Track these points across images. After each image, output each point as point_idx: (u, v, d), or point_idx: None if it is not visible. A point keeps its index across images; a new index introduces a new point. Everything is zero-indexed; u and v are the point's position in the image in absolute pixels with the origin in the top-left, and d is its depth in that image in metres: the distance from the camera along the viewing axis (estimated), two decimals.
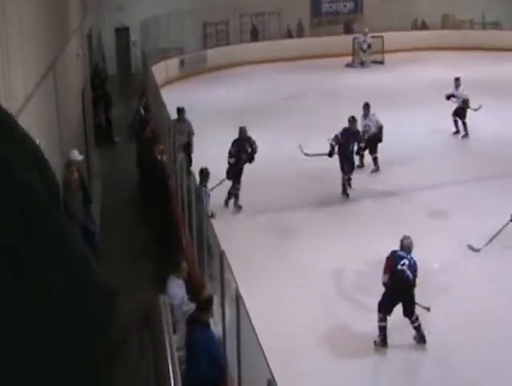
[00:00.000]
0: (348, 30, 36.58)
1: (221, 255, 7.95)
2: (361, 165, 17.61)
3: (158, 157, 14.12)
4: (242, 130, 15.95)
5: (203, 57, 32.12)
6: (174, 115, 16.49)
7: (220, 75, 30.39)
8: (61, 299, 0.93)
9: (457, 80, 20.61)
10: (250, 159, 15.68)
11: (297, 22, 36.57)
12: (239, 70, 31.40)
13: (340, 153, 15.98)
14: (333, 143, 15.98)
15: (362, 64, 32.99)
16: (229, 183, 15.42)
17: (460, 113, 20.46)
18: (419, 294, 9.96)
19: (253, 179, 16.60)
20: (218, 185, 14.62)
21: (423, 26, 38.13)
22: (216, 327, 7.96)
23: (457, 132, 20.63)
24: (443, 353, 9.81)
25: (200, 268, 10.04)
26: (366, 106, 18.40)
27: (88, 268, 0.98)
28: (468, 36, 35.95)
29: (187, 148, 16.39)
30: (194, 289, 8.29)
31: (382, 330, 9.96)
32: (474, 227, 13.31)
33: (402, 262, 9.81)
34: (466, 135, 20.46)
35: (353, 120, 16.42)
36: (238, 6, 33.90)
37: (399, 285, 9.83)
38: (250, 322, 6.56)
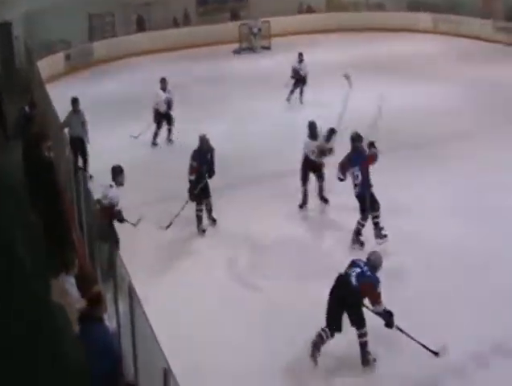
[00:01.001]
0: (234, 17, 36.71)
1: (113, 250, 7.93)
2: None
3: (46, 153, 13.86)
4: (203, 140, 13.31)
5: (89, 50, 31.62)
6: (61, 110, 16.13)
7: (107, 68, 30.06)
8: None
9: (301, 54, 22.72)
10: (210, 172, 13.33)
11: (183, 12, 36.49)
12: (126, 62, 31.12)
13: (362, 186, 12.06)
14: (341, 176, 12.25)
15: (253, 50, 33.18)
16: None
17: (300, 83, 22.58)
18: None
19: (144, 170, 16.62)
20: (137, 223, 11.92)
21: (309, 10, 38.63)
22: (110, 322, 7.93)
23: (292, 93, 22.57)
24: None
25: (92, 264, 9.94)
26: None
27: None
28: (352, 18, 36.69)
29: (82, 142, 16.19)
30: (85, 286, 8.22)
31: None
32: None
33: (353, 269, 8.99)
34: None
35: (357, 137, 12.36)
36: None
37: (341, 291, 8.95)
38: (144, 312, 6.57)
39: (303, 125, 14.38)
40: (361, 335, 8.95)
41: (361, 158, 11.98)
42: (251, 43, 33.46)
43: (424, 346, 8.93)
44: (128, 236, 11.62)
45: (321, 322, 9.00)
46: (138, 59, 31.16)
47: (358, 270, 8.87)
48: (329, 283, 8.96)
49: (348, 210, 12.64)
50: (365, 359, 9.02)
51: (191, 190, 13.11)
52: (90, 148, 16.33)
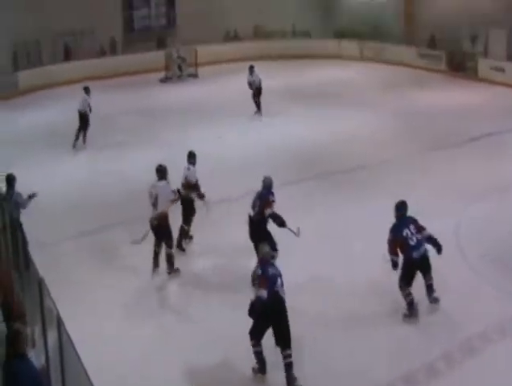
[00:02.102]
0: (161, 45, 36.65)
1: (40, 282, 7.76)
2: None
3: None
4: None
5: (14, 79, 31.13)
6: None
7: (32, 98, 29.59)
8: None
9: (251, 67, 23.90)
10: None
11: (109, 40, 36.32)
12: (52, 92, 30.69)
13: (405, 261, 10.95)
14: (395, 258, 10.98)
15: (179, 78, 33.10)
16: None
17: (257, 94, 23.83)
18: None
19: (75, 201, 16.49)
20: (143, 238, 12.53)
21: (236, 38, 38.87)
22: (39, 357, 7.77)
23: (258, 111, 23.93)
24: None
25: (20, 294, 9.75)
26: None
27: None
28: (279, 46, 37.05)
29: None
30: (12, 318, 8.05)
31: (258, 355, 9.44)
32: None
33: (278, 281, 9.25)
34: (258, 112, 23.96)
35: (402, 206, 11.11)
36: (50, 25, 33.14)
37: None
38: (73, 346, 6.46)
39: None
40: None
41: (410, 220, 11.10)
42: (173, 70, 33.26)
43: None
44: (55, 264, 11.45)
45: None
46: (65, 89, 30.80)
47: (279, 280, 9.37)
48: None
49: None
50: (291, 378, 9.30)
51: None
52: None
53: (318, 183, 17.03)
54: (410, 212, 11.05)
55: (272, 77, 26.79)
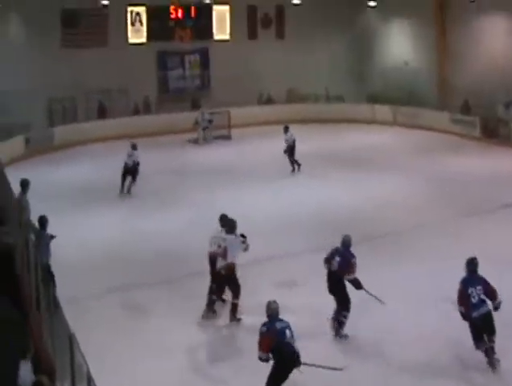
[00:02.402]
0: (195, 106, 36.93)
1: (71, 337, 7.63)
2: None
3: (4, 239, 13.55)
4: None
5: (49, 135, 31.52)
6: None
7: (67, 154, 29.86)
8: None
9: (286, 127, 25.41)
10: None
11: (143, 99, 36.68)
12: (86, 148, 30.97)
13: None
14: (461, 310, 11.07)
15: (205, 140, 33.04)
16: None
17: (290, 151, 24.97)
18: None
19: (104, 257, 16.42)
20: None
21: (269, 101, 39.12)
22: None
23: (293, 170, 25.08)
24: None
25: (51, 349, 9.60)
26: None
27: None
28: (313, 109, 37.21)
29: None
30: (42, 372, 7.90)
31: None
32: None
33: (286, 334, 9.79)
34: (293, 170, 25.08)
35: (471, 263, 11.35)
36: (85, 83, 33.63)
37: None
38: None
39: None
40: None
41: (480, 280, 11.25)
42: (198, 133, 33.18)
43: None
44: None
45: None
46: (99, 146, 31.07)
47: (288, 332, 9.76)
48: None
49: None
50: None
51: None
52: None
53: (352, 248, 16.81)
54: (444, 278, 10.85)
55: (305, 141, 26.79)
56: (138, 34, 36.84)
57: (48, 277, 11.51)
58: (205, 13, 38.37)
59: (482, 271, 11.17)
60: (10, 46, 32.27)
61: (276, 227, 18.75)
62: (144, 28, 36.96)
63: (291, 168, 24.96)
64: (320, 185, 22.97)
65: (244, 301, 13.68)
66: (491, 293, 10.98)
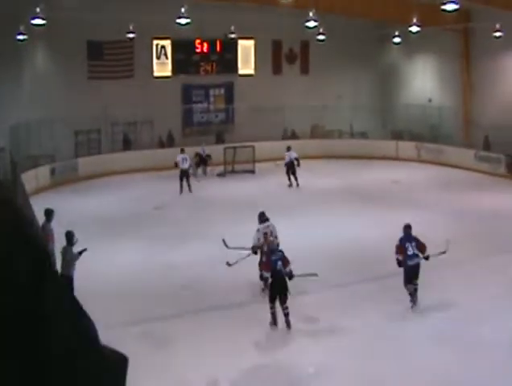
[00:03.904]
0: (219, 140, 37.03)
1: None
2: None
3: None
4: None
5: (74, 166, 31.72)
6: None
7: (91, 185, 30.04)
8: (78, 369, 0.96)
9: (289, 147, 29.30)
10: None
11: (167, 132, 36.83)
12: (111, 179, 31.14)
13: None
14: (399, 258, 14.83)
15: (205, 174, 33.09)
16: None
17: (291, 168, 28.38)
18: None
19: (127, 289, 16.35)
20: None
21: (293, 136, 39.15)
22: None
23: (291, 185, 28.66)
24: None
25: None
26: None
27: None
28: (337, 145, 37.25)
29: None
30: None
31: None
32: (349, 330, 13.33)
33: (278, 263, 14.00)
34: (298, 185, 28.55)
35: (407, 228, 15.51)
36: (110, 115, 33.89)
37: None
38: None
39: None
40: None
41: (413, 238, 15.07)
42: (193, 169, 32.17)
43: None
44: None
45: None
46: (124, 177, 31.19)
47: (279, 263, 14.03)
48: None
49: None
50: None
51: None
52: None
53: (376, 282, 16.68)
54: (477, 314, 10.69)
55: (328, 176, 26.79)
56: (163, 67, 37.17)
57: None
58: (230, 47, 38.69)
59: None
60: (37, 77, 32.69)
61: (300, 261, 18.62)
62: (169, 61, 37.31)
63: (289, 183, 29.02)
64: (342, 220, 22.81)
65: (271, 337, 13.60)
66: (422, 247, 14.76)
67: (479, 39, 34.72)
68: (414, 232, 21.19)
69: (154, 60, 36.98)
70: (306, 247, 20.09)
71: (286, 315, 13.82)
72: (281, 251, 14.49)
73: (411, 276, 14.58)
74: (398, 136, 37.65)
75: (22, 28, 29.60)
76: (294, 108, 37.54)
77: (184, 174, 28.14)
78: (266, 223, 16.59)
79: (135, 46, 35.39)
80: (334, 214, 23.80)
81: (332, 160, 34.21)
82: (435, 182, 30.40)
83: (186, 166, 28.24)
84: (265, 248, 15.48)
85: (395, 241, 20.25)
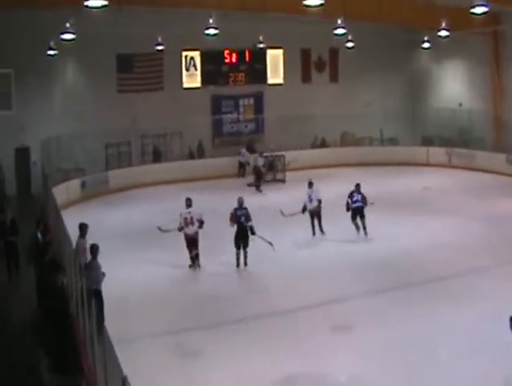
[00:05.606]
0: (249, 149, 37.03)
1: (124, 380, 7.56)
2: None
3: (59, 282, 13.67)
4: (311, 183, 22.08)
5: (105, 178, 31.87)
6: (75, 237, 15.92)
7: (122, 197, 30.17)
8: None
9: (310, 184, 22.37)
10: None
11: (197, 143, 36.93)
12: (141, 191, 31.24)
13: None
14: (349, 202, 21.62)
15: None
16: None
17: (315, 213, 22.21)
18: None
19: (152, 301, 16.39)
20: None
21: (323, 144, 39.08)
22: None
23: (314, 233, 22.10)
24: None
25: None
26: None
27: None
28: (367, 152, 37.12)
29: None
30: None
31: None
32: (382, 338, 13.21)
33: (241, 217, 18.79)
34: (322, 233, 22.11)
35: (357, 187, 21.77)
36: (140, 127, 34.08)
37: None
38: None
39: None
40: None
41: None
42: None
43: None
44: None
45: None
46: (154, 189, 31.29)
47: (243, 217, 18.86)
48: None
49: None
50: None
51: None
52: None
53: (409, 289, 16.55)
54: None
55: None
56: (192, 79, 37.30)
57: (97, 303, 11.62)
58: (259, 57, 38.74)
59: None
60: (67, 91, 32.99)
61: (322, 269, 18.62)
62: (198, 72, 37.43)
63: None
64: (374, 227, 22.64)
65: (298, 345, 13.52)
66: (364, 198, 21.35)
67: (509, 41, 34.46)
68: (447, 240, 21.53)
69: (184, 72, 37.11)
70: (339, 255, 20.07)
71: (245, 257, 18.62)
72: (245, 208, 18.85)
73: (356, 214, 21.31)
74: (428, 141, 37.40)
75: (52, 43, 29.86)
76: (323, 117, 37.46)
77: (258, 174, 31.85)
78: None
79: (164, 58, 35.54)
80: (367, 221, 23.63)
81: (362, 167, 34.02)
82: (466, 187, 30.13)
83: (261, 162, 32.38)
84: None
85: (430, 249, 20.46)
